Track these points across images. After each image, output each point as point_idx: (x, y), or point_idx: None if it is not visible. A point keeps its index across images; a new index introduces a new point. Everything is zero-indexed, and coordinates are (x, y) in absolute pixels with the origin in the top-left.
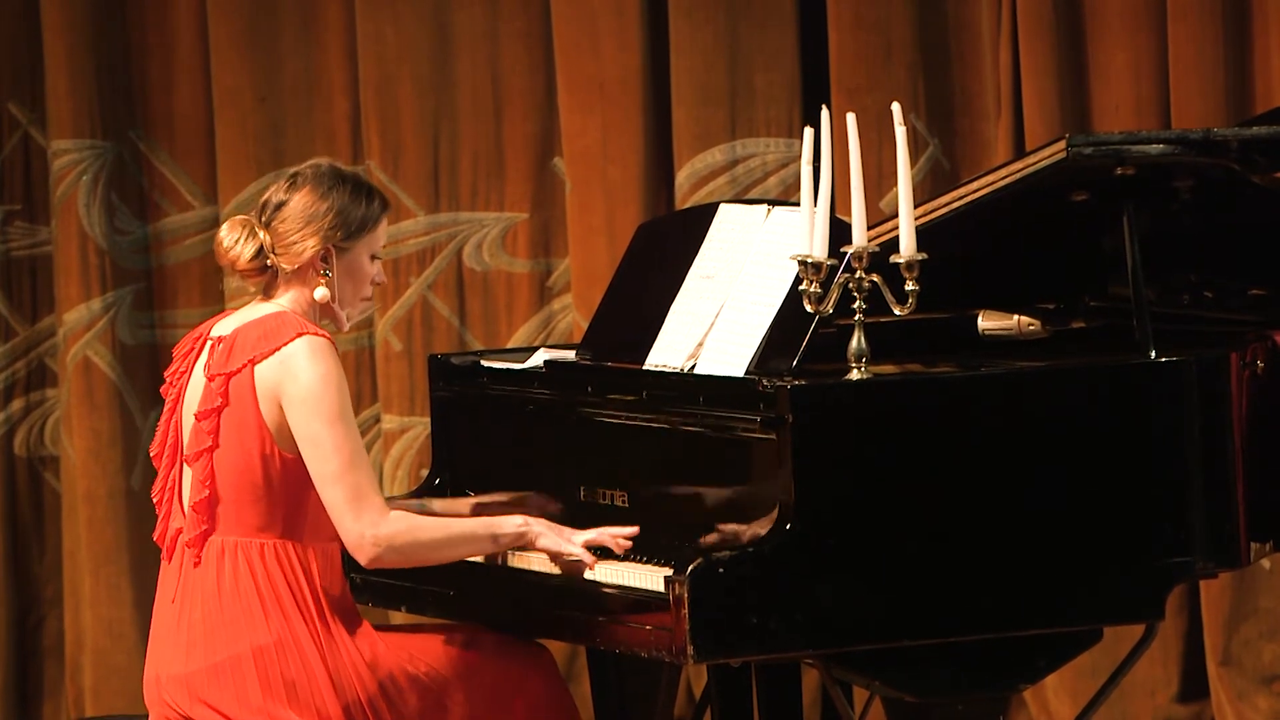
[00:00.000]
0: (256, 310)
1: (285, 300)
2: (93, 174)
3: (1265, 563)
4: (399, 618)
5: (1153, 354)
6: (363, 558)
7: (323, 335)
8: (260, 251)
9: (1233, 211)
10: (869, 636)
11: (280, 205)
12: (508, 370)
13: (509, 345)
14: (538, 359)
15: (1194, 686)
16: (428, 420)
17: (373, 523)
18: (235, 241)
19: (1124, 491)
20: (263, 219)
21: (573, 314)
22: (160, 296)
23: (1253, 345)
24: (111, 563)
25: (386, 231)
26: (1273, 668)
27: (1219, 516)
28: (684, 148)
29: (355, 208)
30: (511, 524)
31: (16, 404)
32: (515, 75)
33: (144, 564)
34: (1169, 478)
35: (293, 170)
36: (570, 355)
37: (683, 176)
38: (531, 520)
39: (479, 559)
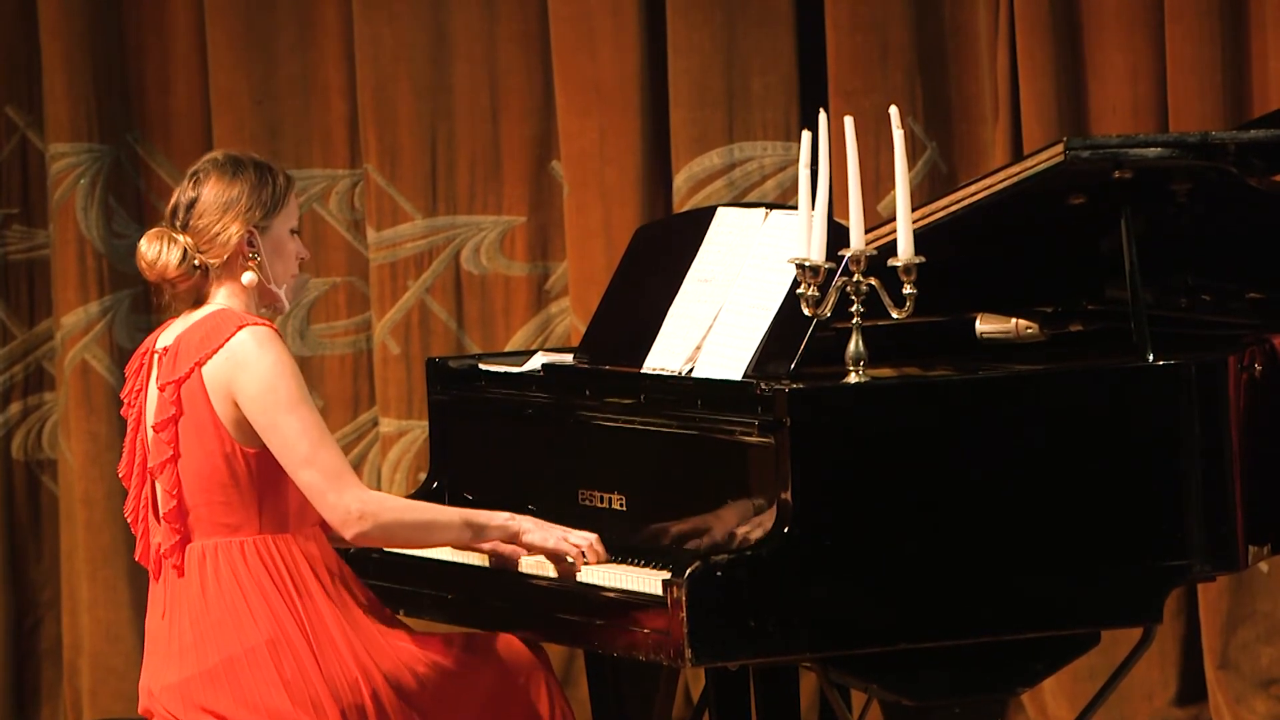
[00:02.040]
0: (195, 314)
1: (221, 298)
2: (90, 177)
3: (1263, 566)
4: None
5: (1150, 357)
6: (348, 533)
7: (265, 324)
8: (185, 255)
9: (1230, 215)
10: (867, 640)
11: (191, 204)
12: (505, 373)
13: (507, 348)
14: (535, 362)
15: (1192, 690)
16: (425, 424)
17: (357, 498)
18: (158, 252)
19: (1122, 495)
20: (176, 223)
21: (570, 317)
22: (158, 300)
23: (1250, 348)
24: (109, 565)
25: (298, 207)
26: (1270, 671)
27: (1217, 519)
28: (681, 150)
29: (264, 186)
30: (498, 518)
31: (14, 408)
32: (512, 77)
33: (141, 567)
34: (1167, 481)
35: (191, 169)
36: (568, 358)
37: (680, 179)
38: (518, 516)
39: (477, 562)
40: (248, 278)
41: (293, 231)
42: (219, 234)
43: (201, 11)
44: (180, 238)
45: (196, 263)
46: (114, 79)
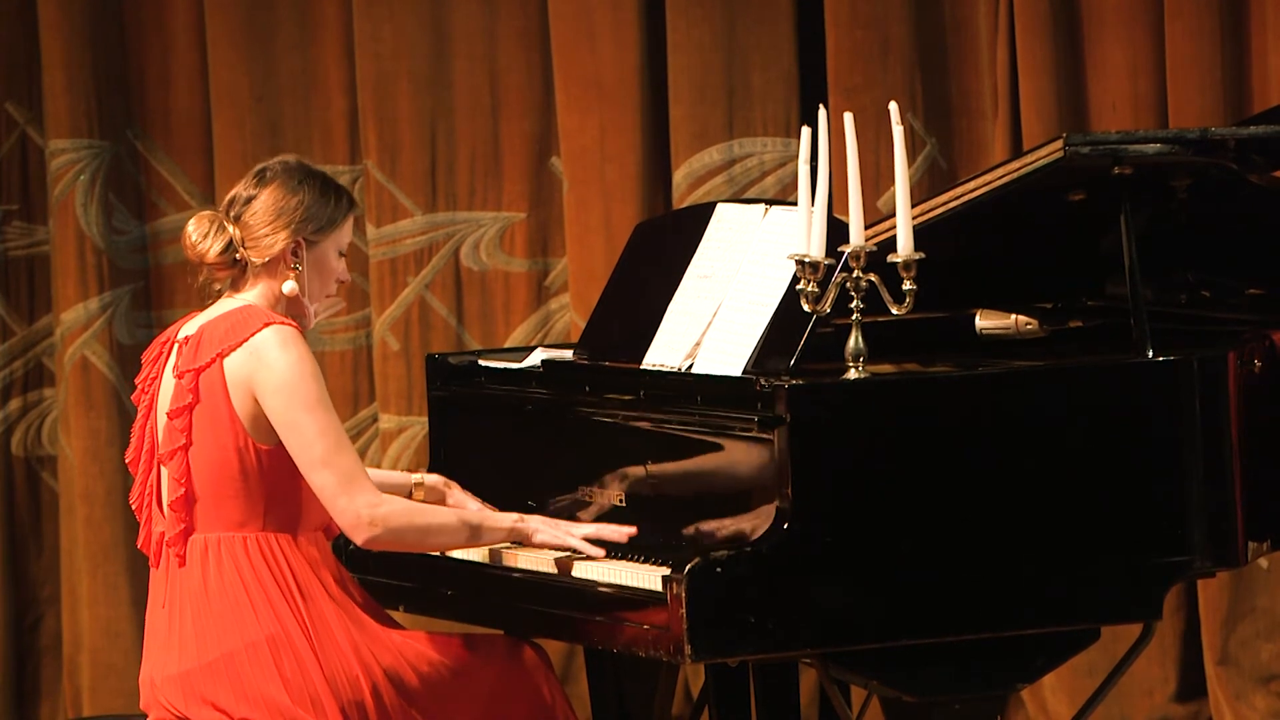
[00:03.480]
0: (222, 306)
1: (252, 295)
2: (90, 173)
3: (1263, 562)
4: (397, 618)
5: (1150, 353)
6: (359, 537)
7: (289, 323)
8: (229, 245)
9: (1230, 211)
10: (867, 636)
11: (250, 199)
12: (505, 370)
13: (506, 345)
14: (535, 358)
15: (1191, 686)
16: (425, 420)
17: (368, 503)
18: (203, 236)
19: (1121, 491)
20: (231, 214)
21: (570, 313)
22: (158, 296)
23: (1250, 344)
24: (109, 562)
25: (352, 231)
26: (1270, 667)
27: (1217, 516)
28: (681, 147)
29: (324, 203)
30: (506, 519)
31: (14, 404)
32: (512, 74)
33: (141, 563)
34: (1166, 477)
35: (261, 165)
36: (568, 355)
37: (680, 176)
38: (527, 516)
39: (477, 558)
40: (289, 286)
41: (340, 254)
42: (266, 236)
43: (201, 8)
44: (230, 228)
45: (238, 256)
46: (114, 75)
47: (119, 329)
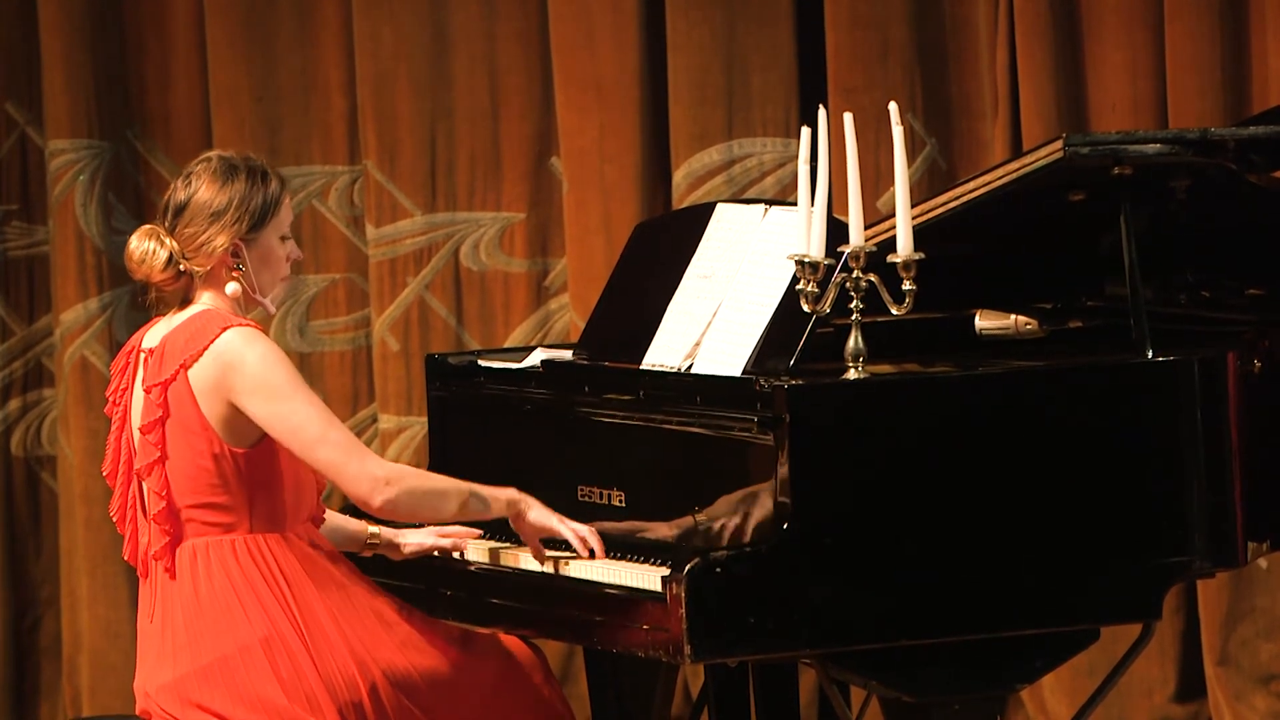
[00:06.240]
0: (181, 315)
1: (207, 300)
2: (90, 174)
3: (1262, 562)
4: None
5: (1150, 353)
6: (377, 498)
7: (248, 323)
8: (171, 259)
9: (1230, 211)
10: (866, 636)
11: (180, 209)
12: (505, 370)
13: (506, 345)
14: (535, 359)
15: (1191, 686)
16: (425, 420)
17: (380, 465)
18: (145, 252)
19: (1121, 491)
20: (166, 225)
21: (570, 314)
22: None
23: (1250, 344)
24: (109, 563)
25: (290, 210)
26: (1270, 667)
27: (1216, 516)
28: (681, 147)
29: (255, 195)
30: (505, 492)
31: (14, 404)
32: (512, 74)
33: None
34: (1166, 477)
35: (186, 170)
36: (567, 355)
37: (680, 176)
38: (524, 494)
39: (477, 558)
40: (231, 288)
41: (283, 238)
42: (204, 244)
43: (201, 8)
44: (168, 240)
45: (182, 268)
46: (114, 75)
47: (118, 329)
